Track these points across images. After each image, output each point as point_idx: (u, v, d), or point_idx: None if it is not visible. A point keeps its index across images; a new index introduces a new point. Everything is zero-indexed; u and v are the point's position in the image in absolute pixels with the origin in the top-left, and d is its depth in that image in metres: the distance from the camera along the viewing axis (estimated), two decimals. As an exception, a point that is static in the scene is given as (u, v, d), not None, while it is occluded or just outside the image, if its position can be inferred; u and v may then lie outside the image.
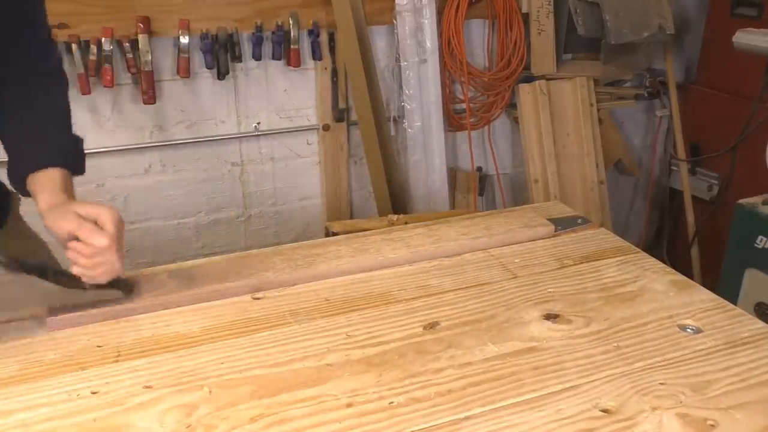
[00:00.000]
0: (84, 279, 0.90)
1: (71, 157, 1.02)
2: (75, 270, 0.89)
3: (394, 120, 2.54)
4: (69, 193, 0.97)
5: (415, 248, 1.10)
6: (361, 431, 0.72)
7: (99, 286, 0.91)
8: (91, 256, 0.88)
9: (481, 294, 0.99)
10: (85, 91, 2.06)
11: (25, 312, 0.90)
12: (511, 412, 0.75)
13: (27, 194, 1.00)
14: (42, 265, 0.91)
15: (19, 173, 0.99)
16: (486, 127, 2.72)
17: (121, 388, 0.79)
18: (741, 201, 1.98)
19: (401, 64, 2.45)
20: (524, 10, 2.56)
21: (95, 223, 0.89)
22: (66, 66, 1.25)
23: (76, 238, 0.88)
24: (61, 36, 1.98)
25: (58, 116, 1.07)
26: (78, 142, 1.06)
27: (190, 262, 1.07)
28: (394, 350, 0.86)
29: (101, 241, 0.87)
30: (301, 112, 2.46)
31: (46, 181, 0.97)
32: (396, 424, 0.73)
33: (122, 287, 0.94)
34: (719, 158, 2.68)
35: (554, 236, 1.18)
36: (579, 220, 1.24)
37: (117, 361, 0.84)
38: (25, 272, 0.88)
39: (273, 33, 2.26)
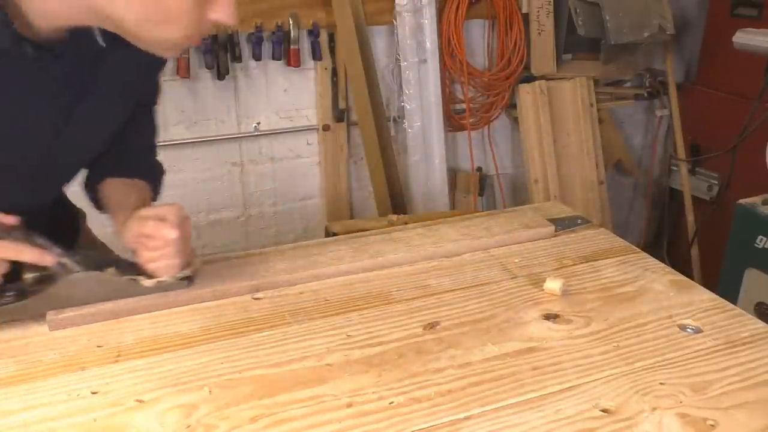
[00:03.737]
0: (149, 272, 0.94)
1: (153, 175, 1.12)
2: (141, 262, 0.94)
3: (394, 120, 2.55)
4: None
5: (415, 248, 1.10)
6: (361, 431, 0.72)
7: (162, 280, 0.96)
8: (155, 249, 0.93)
9: (481, 294, 0.99)
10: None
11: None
12: (511, 412, 0.75)
13: (97, 204, 1.09)
14: (110, 261, 0.95)
15: (100, 178, 1.07)
16: (486, 127, 2.72)
17: (121, 388, 0.79)
18: (741, 201, 1.98)
19: (401, 64, 2.45)
20: (524, 10, 2.56)
21: (161, 220, 0.92)
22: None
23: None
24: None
25: (146, 146, 1.15)
26: (161, 166, 1.15)
27: (190, 262, 1.07)
28: (394, 350, 0.86)
29: (168, 233, 0.91)
30: (301, 112, 2.46)
31: (123, 201, 1.04)
32: (396, 424, 0.73)
33: (183, 279, 0.97)
34: (719, 158, 2.68)
35: (554, 236, 1.18)
36: (579, 220, 1.24)
37: (117, 361, 0.84)
38: (97, 268, 0.93)
39: (273, 33, 2.26)
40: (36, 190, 1.00)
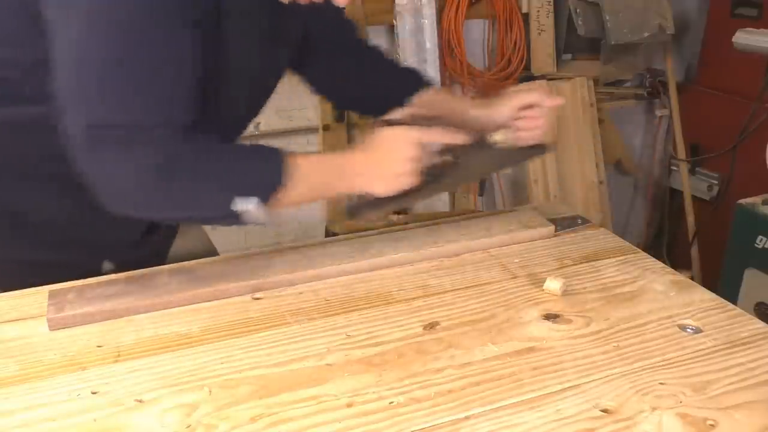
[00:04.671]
0: (525, 140, 1.09)
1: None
2: (525, 135, 1.09)
3: (395, 120, 2.54)
4: None
5: (415, 248, 1.10)
6: (361, 431, 0.72)
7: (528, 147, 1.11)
8: (537, 118, 1.08)
9: (481, 294, 0.99)
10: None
11: None
12: (511, 412, 0.75)
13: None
14: (485, 135, 1.10)
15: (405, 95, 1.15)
16: (486, 127, 2.71)
17: (121, 388, 0.79)
18: (741, 201, 1.98)
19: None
20: (524, 10, 2.56)
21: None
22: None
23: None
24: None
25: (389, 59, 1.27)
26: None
27: (190, 262, 1.07)
28: (394, 350, 0.86)
29: (553, 100, 1.08)
30: (301, 112, 2.46)
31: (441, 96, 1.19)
32: (396, 424, 0.73)
33: (541, 147, 1.13)
34: (719, 158, 2.68)
35: (554, 236, 1.18)
36: (579, 220, 1.24)
37: (117, 361, 0.84)
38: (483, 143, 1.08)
39: (273, 33, 2.26)
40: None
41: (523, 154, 1.11)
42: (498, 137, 1.07)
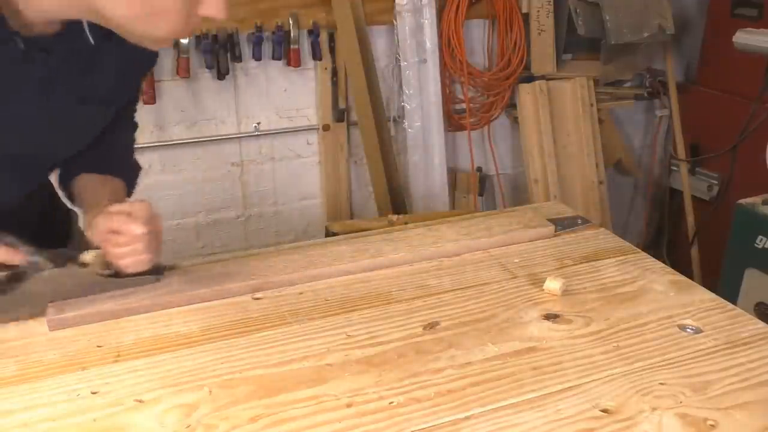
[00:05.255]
0: (117, 268, 0.93)
1: (129, 174, 1.13)
2: (109, 259, 0.93)
3: (394, 120, 2.55)
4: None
5: (415, 248, 1.10)
6: (360, 431, 0.72)
7: (131, 275, 0.95)
8: (123, 245, 0.91)
9: (481, 294, 0.99)
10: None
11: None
12: (511, 412, 0.75)
13: (71, 197, 1.10)
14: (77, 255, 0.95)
15: (75, 172, 1.06)
16: (486, 127, 2.72)
17: (121, 388, 0.79)
18: (741, 201, 1.98)
19: (401, 64, 2.45)
20: (524, 10, 2.56)
21: (129, 216, 0.91)
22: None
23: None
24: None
25: (124, 144, 1.15)
26: (137, 165, 1.16)
27: (190, 262, 1.07)
28: (394, 350, 0.86)
29: (135, 228, 0.90)
30: (301, 112, 2.46)
31: (95, 197, 1.02)
32: (396, 424, 0.73)
33: (153, 273, 0.97)
34: (719, 158, 2.68)
35: (554, 236, 1.18)
36: (579, 221, 1.24)
37: (117, 361, 0.84)
38: (66, 264, 0.92)
39: (273, 33, 2.26)
40: (13, 181, 0.99)
41: (120, 282, 0.95)
42: (87, 258, 0.93)
